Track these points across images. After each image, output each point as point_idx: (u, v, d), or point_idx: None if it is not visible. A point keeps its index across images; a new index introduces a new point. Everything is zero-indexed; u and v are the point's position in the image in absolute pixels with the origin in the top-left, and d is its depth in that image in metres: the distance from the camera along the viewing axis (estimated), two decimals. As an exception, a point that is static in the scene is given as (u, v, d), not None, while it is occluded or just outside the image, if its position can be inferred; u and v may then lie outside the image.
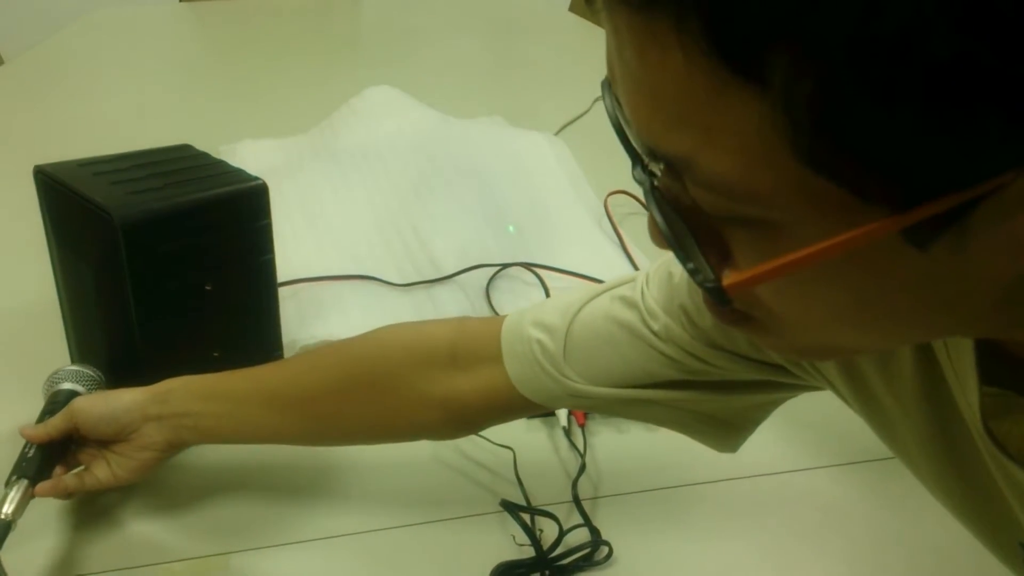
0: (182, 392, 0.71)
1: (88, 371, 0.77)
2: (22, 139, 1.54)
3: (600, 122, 1.41)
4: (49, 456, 0.71)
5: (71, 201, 0.74)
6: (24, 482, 0.67)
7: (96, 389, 0.76)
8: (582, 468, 0.77)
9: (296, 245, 1.08)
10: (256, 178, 0.79)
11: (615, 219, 1.19)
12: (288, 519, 0.73)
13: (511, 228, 1.14)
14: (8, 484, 0.68)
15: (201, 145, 0.86)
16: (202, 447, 0.80)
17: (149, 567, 0.69)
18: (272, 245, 0.81)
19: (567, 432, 0.81)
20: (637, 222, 1.21)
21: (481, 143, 1.35)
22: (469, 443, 0.81)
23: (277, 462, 0.79)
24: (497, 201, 1.19)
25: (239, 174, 0.80)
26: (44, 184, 0.78)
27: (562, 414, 0.82)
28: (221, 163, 0.82)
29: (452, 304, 0.97)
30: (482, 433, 0.81)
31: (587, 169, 1.34)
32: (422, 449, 0.81)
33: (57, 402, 0.74)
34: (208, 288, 0.77)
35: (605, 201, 1.22)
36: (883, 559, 0.69)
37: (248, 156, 1.39)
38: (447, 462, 0.79)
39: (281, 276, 0.84)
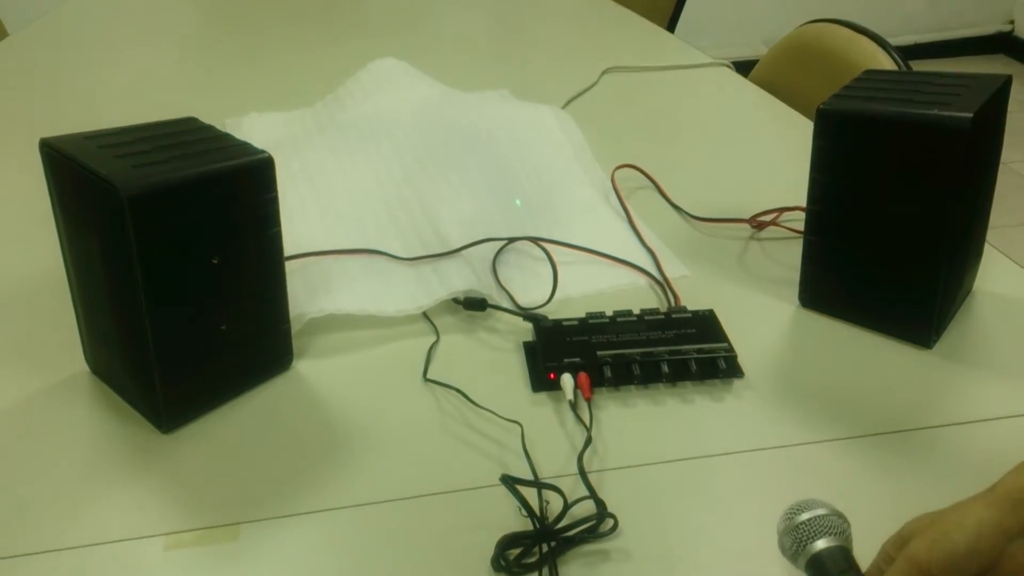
0: None
1: (836, 516, 0.61)
2: (28, 112, 1.54)
3: (607, 95, 1.40)
4: None
5: (77, 174, 0.74)
6: None
7: (848, 536, 0.60)
8: (588, 441, 0.77)
9: (302, 219, 1.08)
10: (262, 151, 0.79)
11: (622, 193, 1.19)
12: (296, 490, 0.74)
13: (518, 202, 1.14)
14: None
15: (207, 118, 0.85)
16: (206, 418, 0.81)
17: (158, 537, 0.69)
18: (279, 219, 0.82)
19: (573, 406, 0.81)
20: (644, 196, 1.20)
21: (488, 116, 1.34)
22: (477, 417, 0.81)
23: (285, 434, 0.80)
24: (504, 175, 1.19)
25: (245, 147, 0.80)
26: (50, 157, 0.78)
27: (568, 388, 0.82)
28: (227, 136, 0.82)
29: (459, 279, 0.97)
30: (489, 407, 0.81)
31: (594, 143, 1.33)
32: (430, 422, 0.81)
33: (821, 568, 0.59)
34: (215, 262, 0.78)
35: (612, 175, 1.22)
36: (888, 531, 0.70)
37: (254, 129, 1.38)
38: (455, 435, 0.79)
39: (288, 250, 0.84)
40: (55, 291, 0.87)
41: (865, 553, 0.60)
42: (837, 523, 0.60)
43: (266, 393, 0.85)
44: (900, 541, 0.59)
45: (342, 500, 0.73)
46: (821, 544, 0.59)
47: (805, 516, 0.60)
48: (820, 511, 0.60)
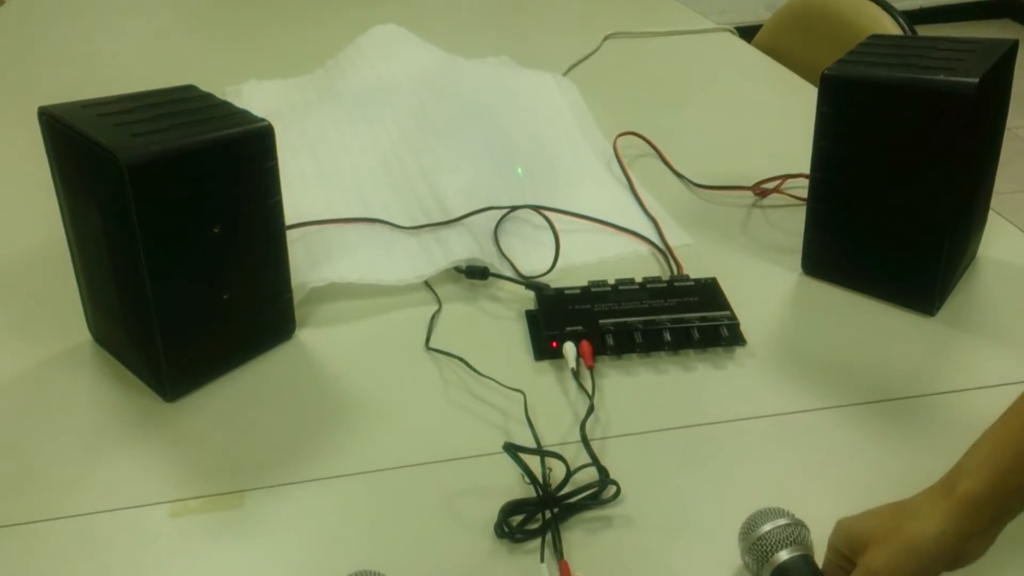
0: (983, 485, 0.56)
1: (795, 524, 0.61)
2: (26, 80, 1.53)
3: (609, 62, 1.39)
4: None
5: (77, 143, 0.74)
6: None
7: (808, 543, 0.60)
8: (590, 409, 0.77)
9: (303, 188, 1.07)
10: (262, 119, 0.79)
11: (624, 161, 1.18)
12: (299, 458, 0.74)
13: (519, 170, 1.13)
14: None
15: (206, 86, 0.85)
16: (210, 386, 0.81)
17: (163, 504, 0.70)
18: (279, 187, 0.81)
19: (576, 374, 0.81)
20: (646, 164, 1.20)
21: (489, 84, 1.33)
22: (480, 386, 0.81)
23: (288, 403, 0.80)
24: (505, 143, 1.18)
25: (245, 115, 0.79)
26: (49, 125, 0.77)
27: (570, 356, 0.82)
28: (226, 104, 0.81)
29: (460, 247, 0.96)
30: (492, 375, 0.81)
31: (596, 110, 1.32)
32: (434, 391, 0.81)
33: None
34: (216, 231, 0.77)
35: (614, 142, 1.21)
36: (889, 498, 0.70)
37: (253, 97, 1.37)
38: (459, 404, 0.80)
39: (289, 219, 0.84)
40: (57, 261, 0.87)
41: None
42: (796, 532, 0.60)
43: (269, 362, 0.85)
44: (850, 541, 0.58)
45: (345, 468, 0.73)
46: (784, 555, 0.59)
47: (765, 528, 0.60)
48: (780, 521, 0.60)
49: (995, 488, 0.56)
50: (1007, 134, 0.95)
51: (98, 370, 0.84)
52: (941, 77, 0.81)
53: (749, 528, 0.61)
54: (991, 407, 0.61)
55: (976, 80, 0.80)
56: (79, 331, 0.87)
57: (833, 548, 0.60)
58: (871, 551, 0.56)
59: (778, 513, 0.61)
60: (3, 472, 0.73)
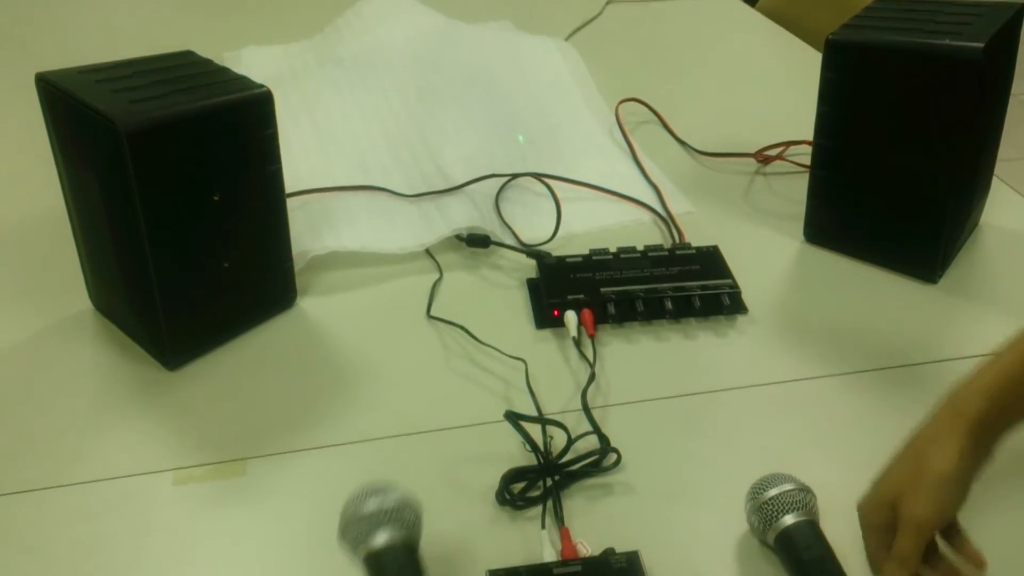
0: (991, 403, 0.59)
1: (802, 490, 0.61)
2: (22, 45, 1.51)
3: (611, 27, 1.37)
4: None
5: (75, 110, 0.73)
6: None
7: (814, 509, 0.61)
8: (591, 377, 0.77)
9: (303, 155, 1.07)
10: (261, 86, 0.78)
11: (626, 128, 1.17)
12: (301, 426, 0.74)
13: (521, 138, 1.12)
14: None
15: (204, 51, 0.84)
16: (212, 355, 0.81)
17: (168, 472, 0.70)
18: (279, 155, 0.81)
19: (577, 343, 0.81)
20: (648, 131, 1.19)
21: (489, 49, 1.32)
22: (482, 354, 0.81)
23: (289, 371, 0.80)
24: (506, 110, 1.17)
25: (244, 81, 0.79)
26: (47, 92, 0.77)
27: (572, 324, 0.82)
28: (225, 70, 0.81)
29: (462, 215, 0.96)
30: (494, 344, 0.81)
31: (598, 76, 1.31)
32: (434, 359, 0.81)
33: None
34: (216, 198, 0.77)
35: (616, 109, 1.20)
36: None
37: (252, 63, 1.36)
38: (460, 372, 0.80)
39: (289, 187, 0.83)
40: (58, 229, 0.87)
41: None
42: (803, 497, 0.61)
43: (271, 330, 0.85)
44: (881, 507, 0.59)
45: (347, 436, 0.73)
46: (789, 519, 0.60)
47: (772, 492, 0.61)
48: (787, 486, 0.61)
49: (1002, 407, 0.59)
50: (1012, 100, 0.94)
51: (99, 339, 0.84)
52: (946, 42, 0.80)
53: (757, 491, 0.62)
54: (993, 375, 0.61)
55: (982, 45, 0.79)
56: (80, 300, 0.87)
57: (869, 527, 0.61)
58: (907, 503, 0.58)
59: (786, 479, 0.62)
60: (6, 440, 0.73)
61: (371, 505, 0.58)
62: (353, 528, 0.58)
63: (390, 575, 0.56)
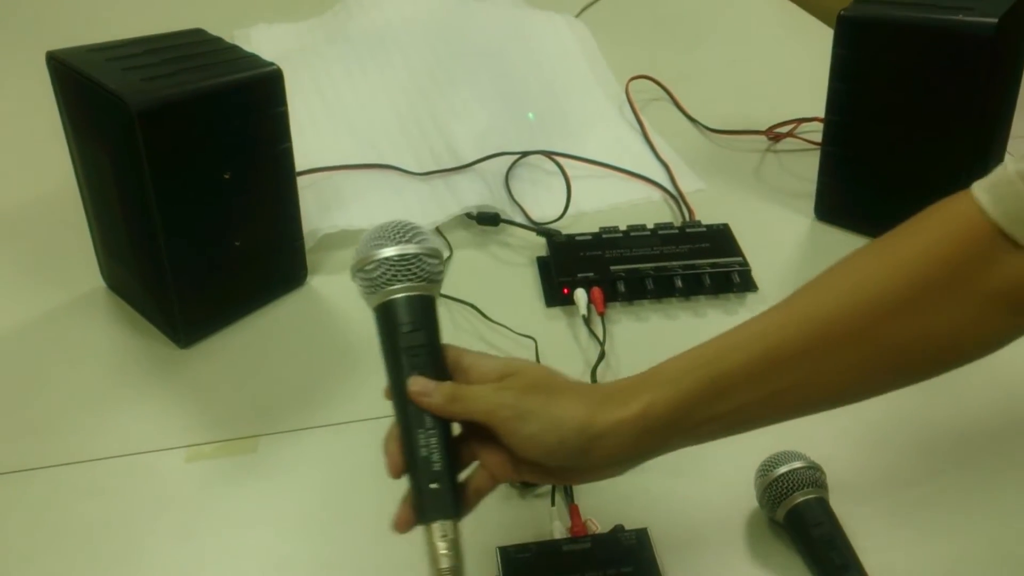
0: (665, 407, 0.53)
1: (812, 468, 0.61)
2: (32, 23, 1.51)
3: (622, 4, 1.35)
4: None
5: (85, 88, 0.74)
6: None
7: (824, 485, 0.62)
8: (601, 355, 0.78)
9: (313, 133, 1.07)
10: (271, 64, 0.78)
11: (637, 105, 1.17)
12: (313, 404, 0.75)
13: (531, 115, 1.12)
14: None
15: (214, 29, 0.84)
16: (223, 333, 0.82)
17: (180, 449, 0.71)
18: (289, 133, 0.81)
19: (587, 321, 0.82)
20: (659, 108, 1.18)
21: (500, 26, 1.31)
22: (492, 332, 0.81)
23: (300, 349, 0.81)
24: (516, 87, 1.17)
25: (254, 59, 0.79)
26: (57, 70, 0.77)
27: (581, 302, 0.82)
28: (235, 48, 0.80)
29: (471, 193, 0.96)
30: (504, 322, 0.82)
31: (608, 53, 1.30)
32: (445, 337, 0.81)
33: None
34: (227, 177, 0.77)
35: (626, 86, 1.20)
36: (898, 439, 0.70)
37: (262, 41, 1.36)
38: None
39: (299, 165, 0.84)
40: (70, 207, 0.87)
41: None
42: (812, 475, 0.61)
43: (281, 308, 0.85)
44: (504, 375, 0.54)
45: (357, 413, 0.74)
46: (798, 497, 0.60)
47: (782, 470, 0.61)
48: (796, 464, 0.61)
49: (676, 413, 0.52)
50: (1026, 77, 0.93)
51: (111, 317, 0.85)
52: (959, 18, 0.80)
53: (767, 468, 0.62)
54: (1005, 357, 0.61)
55: (995, 20, 0.78)
56: (92, 278, 0.88)
57: (480, 374, 0.54)
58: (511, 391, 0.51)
59: (796, 456, 0.62)
60: (19, 418, 0.74)
61: (390, 249, 0.53)
62: (370, 269, 0.53)
63: (403, 331, 0.52)
